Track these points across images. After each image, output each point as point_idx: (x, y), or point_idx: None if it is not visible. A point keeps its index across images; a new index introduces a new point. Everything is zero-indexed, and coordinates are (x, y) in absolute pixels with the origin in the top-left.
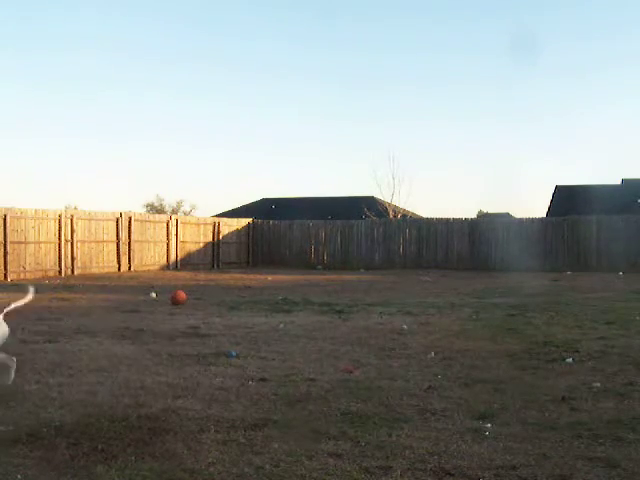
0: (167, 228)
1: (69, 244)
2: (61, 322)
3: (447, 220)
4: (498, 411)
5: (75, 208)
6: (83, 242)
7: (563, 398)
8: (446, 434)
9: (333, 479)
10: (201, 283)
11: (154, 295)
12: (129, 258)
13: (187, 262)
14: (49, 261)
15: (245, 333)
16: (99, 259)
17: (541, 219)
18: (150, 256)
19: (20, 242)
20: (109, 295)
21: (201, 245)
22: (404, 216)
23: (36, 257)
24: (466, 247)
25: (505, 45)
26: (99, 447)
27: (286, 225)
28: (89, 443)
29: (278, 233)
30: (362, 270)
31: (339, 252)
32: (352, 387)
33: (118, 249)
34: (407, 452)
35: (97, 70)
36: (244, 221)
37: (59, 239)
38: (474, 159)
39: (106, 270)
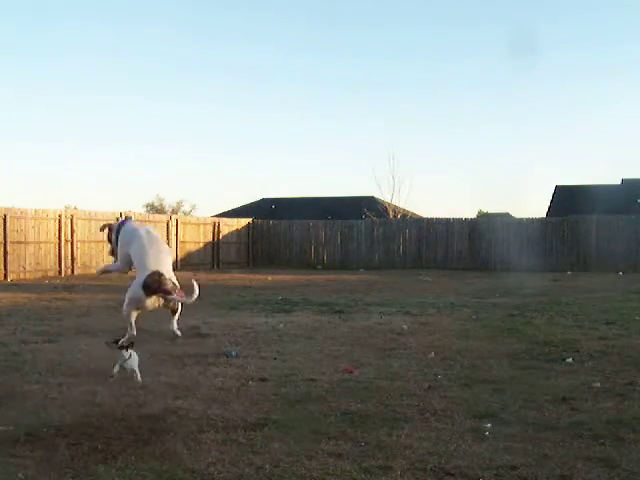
0: (167, 228)
1: (69, 244)
2: (61, 322)
3: (447, 220)
4: (498, 411)
5: (75, 208)
6: (83, 242)
7: (563, 398)
8: (446, 434)
9: (333, 479)
10: (201, 283)
11: None
12: None
13: (187, 262)
14: (49, 261)
15: (245, 333)
16: (99, 259)
17: (541, 219)
18: None
19: (20, 242)
20: (109, 295)
21: (201, 245)
22: (404, 216)
23: (36, 257)
24: (466, 247)
25: (505, 45)
26: (99, 447)
27: (286, 225)
28: (89, 443)
29: (278, 233)
30: (362, 270)
31: (339, 252)
32: (352, 387)
33: None
34: (407, 452)
35: (97, 71)
36: (244, 221)
37: (59, 239)
38: (474, 159)
39: None
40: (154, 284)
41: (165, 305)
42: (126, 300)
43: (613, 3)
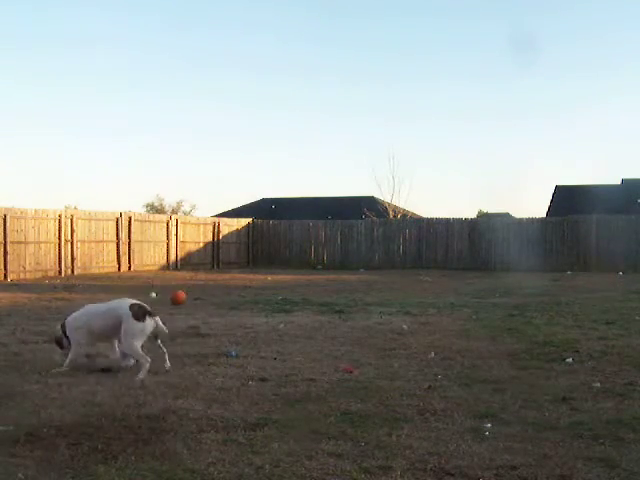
0: (167, 228)
1: (69, 244)
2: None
3: (447, 220)
4: (498, 411)
5: (75, 208)
6: (83, 242)
7: (563, 398)
8: (446, 434)
9: (333, 479)
10: (201, 283)
11: (154, 295)
12: (129, 258)
13: (187, 262)
14: (49, 261)
15: (245, 333)
16: (99, 259)
17: (541, 219)
18: (150, 256)
19: (20, 242)
20: (109, 295)
21: (201, 245)
22: (404, 216)
23: (36, 257)
24: (466, 247)
25: (505, 45)
26: (99, 447)
27: (286, 225)
28: (89, 443)
29: (278, 233)
30: (362, 270)
31: (339, 252)
32: (352, 387)
33: (118, 249)
34: (407, 452)
35: (97, 70)
36: (244, 221)
37: (59, 239)
38: (474, 159)
39: (106, 270)
40: (137, 307)
41: (153, 332)
42: (128, 340)
43: (612, 3)
